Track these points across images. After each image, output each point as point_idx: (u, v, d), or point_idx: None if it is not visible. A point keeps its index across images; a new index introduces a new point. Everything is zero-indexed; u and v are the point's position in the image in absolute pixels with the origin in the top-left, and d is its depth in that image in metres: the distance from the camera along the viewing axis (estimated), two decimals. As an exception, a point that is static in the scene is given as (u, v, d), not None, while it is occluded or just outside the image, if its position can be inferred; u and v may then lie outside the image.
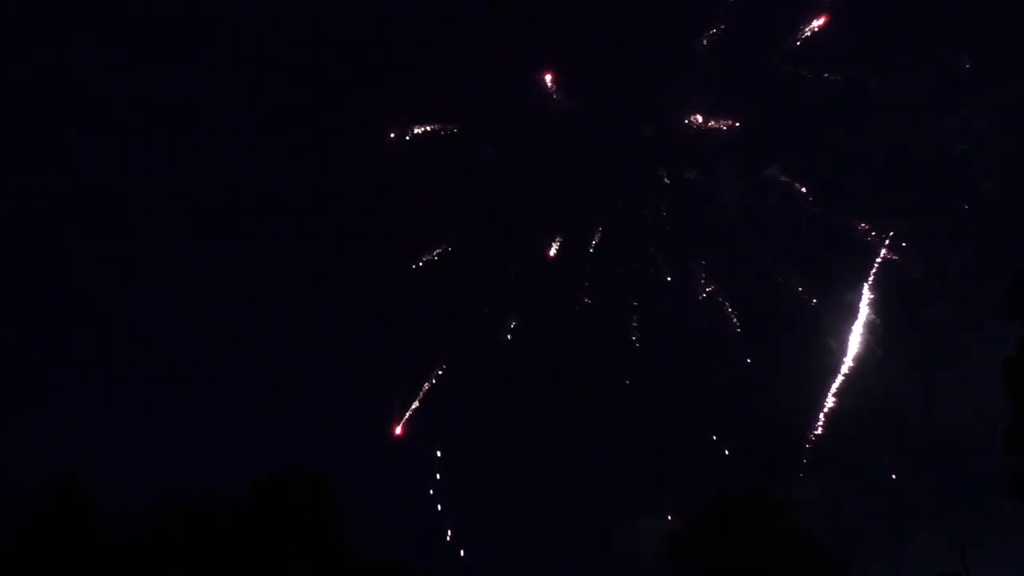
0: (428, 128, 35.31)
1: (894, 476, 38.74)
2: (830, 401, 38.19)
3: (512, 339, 37.05)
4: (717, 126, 36.56)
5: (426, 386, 36.90)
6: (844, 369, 38.44)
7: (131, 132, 35.93)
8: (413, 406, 36.41)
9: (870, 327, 38.68)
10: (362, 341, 38.05)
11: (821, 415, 38.28)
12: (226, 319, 37.16)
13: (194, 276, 37.17)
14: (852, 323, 38.53)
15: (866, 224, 37.57)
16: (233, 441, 36.03)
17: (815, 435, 38.63)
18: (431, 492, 36.57)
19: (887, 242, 38.73)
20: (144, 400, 36.36)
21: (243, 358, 36.80)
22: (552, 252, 37.30)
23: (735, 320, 38.20)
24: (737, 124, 37.23)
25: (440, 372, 35.98)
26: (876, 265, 38.80)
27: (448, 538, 36.68)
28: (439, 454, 36.06)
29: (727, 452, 37.47)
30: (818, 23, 38.82)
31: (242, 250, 37.60)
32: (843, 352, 38.29)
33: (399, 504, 36.73)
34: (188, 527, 35.03)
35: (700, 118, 36.84)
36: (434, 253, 38.43)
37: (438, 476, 36.14)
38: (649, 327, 37.19)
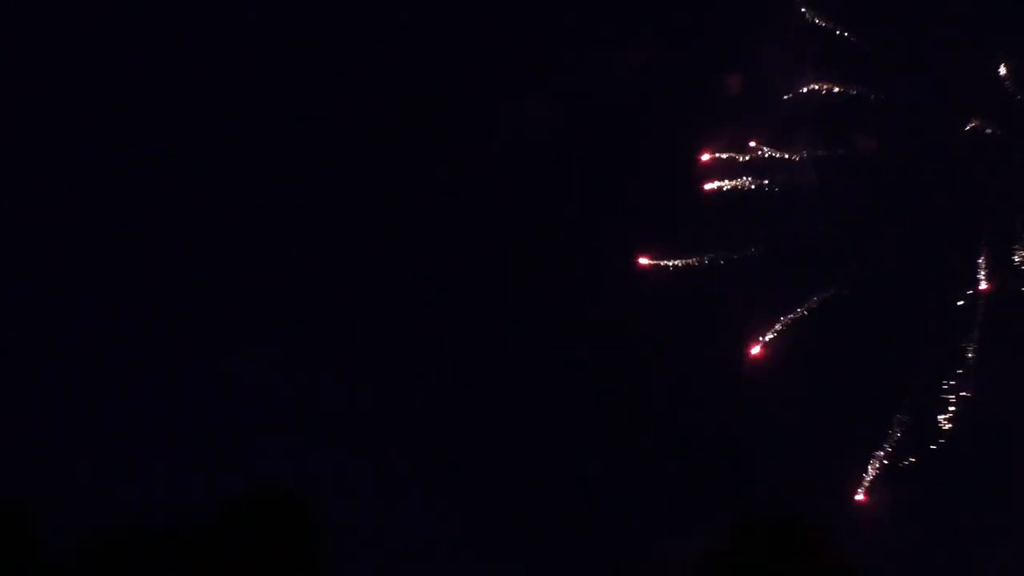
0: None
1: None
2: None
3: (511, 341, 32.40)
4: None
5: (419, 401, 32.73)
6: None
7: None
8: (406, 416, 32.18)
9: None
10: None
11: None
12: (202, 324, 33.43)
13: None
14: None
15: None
16: (205, 459, 32.15)
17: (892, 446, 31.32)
18: (428, 515, 32.18)
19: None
20: (108, 411, 32.76)
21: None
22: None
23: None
24: None
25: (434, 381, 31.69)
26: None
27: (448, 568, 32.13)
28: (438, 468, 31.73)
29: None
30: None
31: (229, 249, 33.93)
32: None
33: (393, 531, 32.29)
34: (144, 556, 31.15)
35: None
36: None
37: (438, 496, 31.76)
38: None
